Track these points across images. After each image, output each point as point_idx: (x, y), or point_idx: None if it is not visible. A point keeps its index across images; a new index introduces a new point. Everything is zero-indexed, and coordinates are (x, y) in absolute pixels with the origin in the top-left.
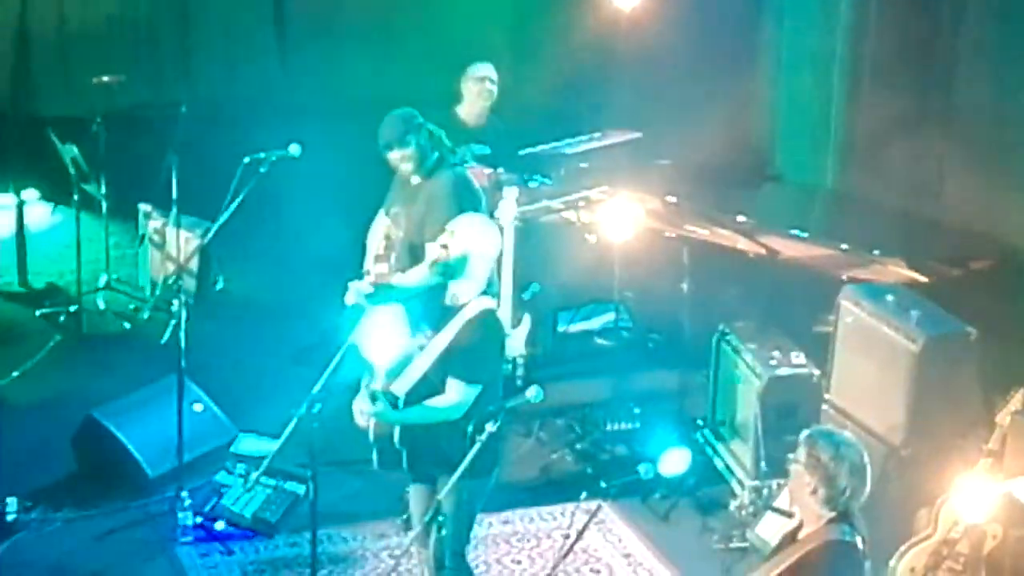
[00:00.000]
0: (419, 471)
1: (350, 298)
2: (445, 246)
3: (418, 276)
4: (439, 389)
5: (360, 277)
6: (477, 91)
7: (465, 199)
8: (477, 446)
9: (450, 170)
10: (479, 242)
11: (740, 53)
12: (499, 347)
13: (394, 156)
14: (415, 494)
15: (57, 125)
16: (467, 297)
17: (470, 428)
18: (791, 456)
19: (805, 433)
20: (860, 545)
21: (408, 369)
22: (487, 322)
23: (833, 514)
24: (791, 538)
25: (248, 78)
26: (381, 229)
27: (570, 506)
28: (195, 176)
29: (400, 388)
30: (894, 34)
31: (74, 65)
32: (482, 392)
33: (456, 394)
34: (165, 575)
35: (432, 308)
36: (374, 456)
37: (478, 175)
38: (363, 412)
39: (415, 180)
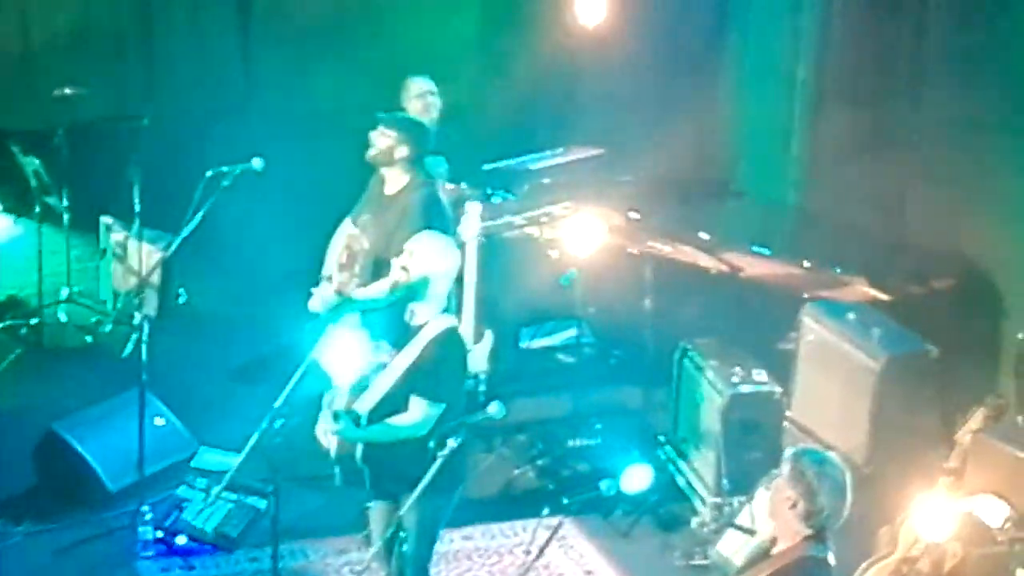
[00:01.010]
0: (381, 489)
1: (314, 303)
2: (405, 268)
3: (379, 290)
4: (402, 407)
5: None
6: (422, 107)
7: (434, 219)
8: (439, 462)
9: (424, 188)
10: (438, 263)
11: (703, 70)
12: (461, 364)
13: (379, 131)
14: (377, 512)
15: (19, 137)
16: (427, 316)
17: (432, 444)
18: (775, 471)
19: (791, 449)
20: (831, 563)
21: (370, 387)
22: (449, 340)
23: (810, 532)
24: (764, 554)
25: (211, 92)
26: (344, 238)
27: (532, 522)
28: (158, 189)
29: (363, 407)
30: (857, 52)
31: (36, 77)
32: (445, 409)
33: (420, 412)
34: None
35: (392, 326)
36: (336, 473)
37: (442, 190)
38: (326, 432)
39: (389, 189)
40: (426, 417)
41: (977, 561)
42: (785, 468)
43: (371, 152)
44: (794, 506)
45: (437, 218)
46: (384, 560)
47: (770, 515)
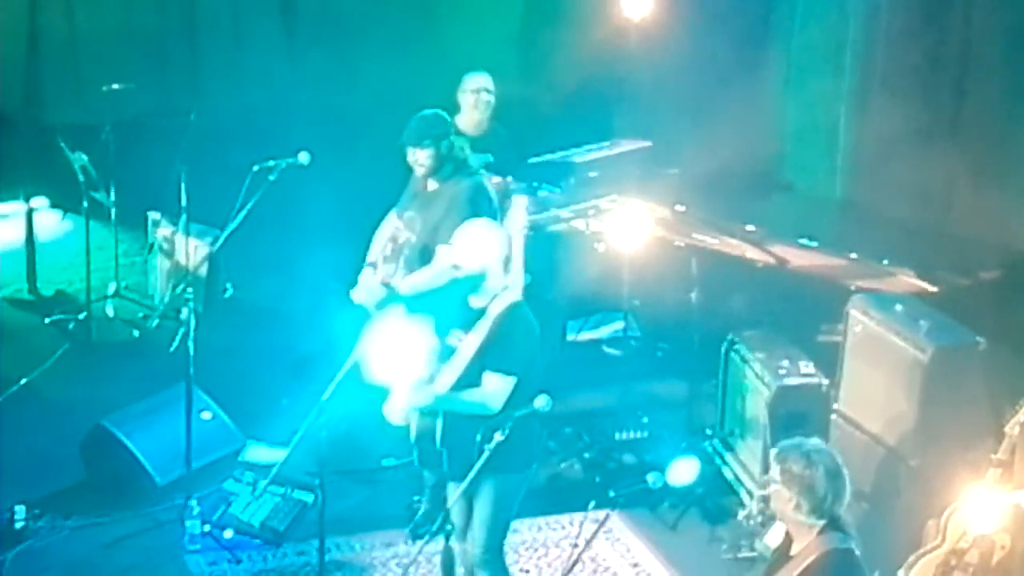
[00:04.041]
0: (458, 470)
1: (357, 294)
2: (457, 266)
3: (423, 279)
4: (476, 384)
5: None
6: (472, 102)
7: (482, 207)
8: (486, 455)
9: (469, 178)
10: (489, 252)
11: (750, 63)
12: (531, 338)
13: (412, 154)
14: (453, 493)
15: (67, 133)
16: (486, 301)
17: (478, 437)
18: (765, 478)
19: (774, 451)
20: (856, 551)
21: (446, 368)
22: (516, 314)
23: (823, 522)
24: (784, 555)
25: (257, 86)
26: (388, 230)
27: (578, 515)
28: (204, 184)
29: (442, 387)
30: (904, 45)
31: (84, 73)
32: (518, 383)
33: (492, 385)
34: None
35: (459, 310)
36: (415, 455)
37: (488, 182)
38: (402, 410)
39: (432, 186)
40: (498, 390)
41: None
42: (775, 472)
43: (422, 172)
44: (798, 506)
45: (485, 207)
46: (461, 539)
47: (780, 519)
